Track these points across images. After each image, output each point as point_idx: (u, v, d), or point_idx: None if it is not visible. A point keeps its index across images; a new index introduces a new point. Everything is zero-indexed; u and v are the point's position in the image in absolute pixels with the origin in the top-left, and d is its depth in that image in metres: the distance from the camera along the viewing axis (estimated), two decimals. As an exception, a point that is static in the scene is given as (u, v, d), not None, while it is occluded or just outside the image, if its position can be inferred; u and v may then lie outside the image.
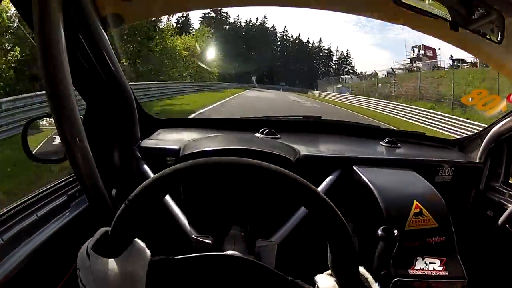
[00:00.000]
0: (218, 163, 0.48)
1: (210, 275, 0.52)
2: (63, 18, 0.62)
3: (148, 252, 0.50)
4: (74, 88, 0.92)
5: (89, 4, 0.79)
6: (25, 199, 0.85)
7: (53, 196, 0.90)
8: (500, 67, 1.15)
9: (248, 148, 0.98)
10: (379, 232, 0.72)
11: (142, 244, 0.51)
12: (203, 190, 0.93)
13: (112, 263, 0.47)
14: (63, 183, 0.96)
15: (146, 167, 1.00)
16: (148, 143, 1.13)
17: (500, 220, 1.13)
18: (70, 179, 0.97)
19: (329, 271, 0.51)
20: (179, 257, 0.51)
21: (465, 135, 1.38)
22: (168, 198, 0.89)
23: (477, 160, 1.23)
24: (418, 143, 1.42)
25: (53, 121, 0.68)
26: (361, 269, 0.52)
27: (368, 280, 0.52)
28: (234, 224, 0.81)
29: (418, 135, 1.48)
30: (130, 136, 1.07)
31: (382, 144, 1.32)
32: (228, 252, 0.65)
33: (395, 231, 0.72)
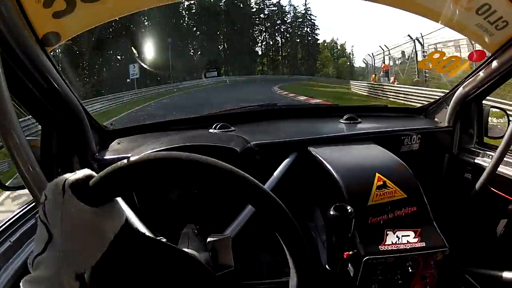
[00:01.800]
0: (140, 162, 0.43)
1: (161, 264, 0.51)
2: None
3: (125, 215, 0.47)
4: (28, 113, 0.93)
5: (22, 28, 0.79)
6: None
7: (22, 221, 0.92)
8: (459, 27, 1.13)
9: (190, 144, 0.97)
10: (331, 212, 0.70)
11: (122, 205, 0.48)
12: (153, 192, 0.93)
13: (87, 210, 0.43)
14: (29, 207, 0.96)
15: None
16: (104, 154, 1.12)
17: (480, 181, 1.11)
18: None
19: None
20: (149, 235, 0.51)
21: (430, 101, 1.36)
22: (120, 201, 0.89)
23: (446, 124, 1.21)
24: (380, 116, 1.39)
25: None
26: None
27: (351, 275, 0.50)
28: (188, 223, 0.80)
29: (380, 107, 1.46)
30: (87, 150, 1.07)
31: (341, 121, 1.30)
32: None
33: (349, 208, 0.69)
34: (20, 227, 0.90)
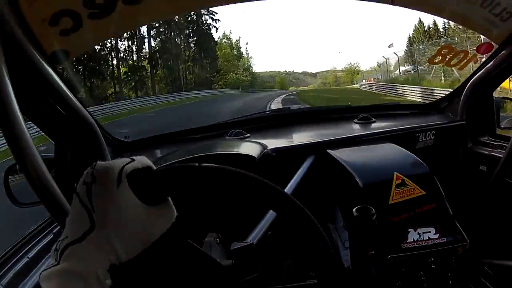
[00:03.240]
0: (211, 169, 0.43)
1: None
2: (5, 65, 0.62)
3: (175, 215, 0.44)
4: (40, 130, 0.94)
5: (29, 47, 0.80)
6: (13, 244, 0.87)
7: (39, 237, 0.92)
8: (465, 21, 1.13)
9: (208, 154, 0.98)
10: (354, 213, 0.70)
11: (173, 206, 0.44)
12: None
13: (141, 207, 0.39)
14: (46, 222, 0.97)
15: None
16: None
17: (495, 173, 1.10)
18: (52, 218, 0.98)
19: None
20: (189, 241, 0.50)
21: (441, 97, 1.35)
22: None
23: (458, 119, 1.20)
24: (393, 114, 1.39)
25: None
26: None
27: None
28: (210, 232, 0.80)
29: (393, 105, 1.45)
30: None
31: (356, 121, 1.30)
32: None
33: (372, 209, 0.69)
34: (37, 243, 0.90)
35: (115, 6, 0.81)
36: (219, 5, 0.92)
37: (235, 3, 0.93)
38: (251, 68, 41.28)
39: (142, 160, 0.42)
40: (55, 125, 0.93)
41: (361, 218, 0.70)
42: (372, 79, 29.09)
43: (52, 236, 0.94)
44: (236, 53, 39.07)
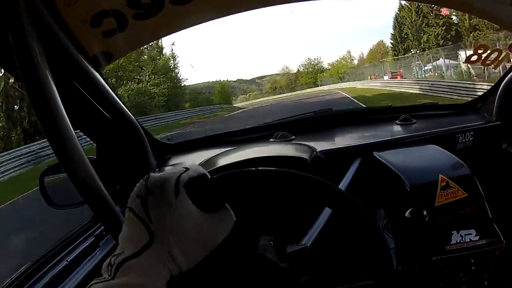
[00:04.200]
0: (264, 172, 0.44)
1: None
2: (49, 69, 0.62)
3: (233, 219, 0.44)
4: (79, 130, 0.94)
5: (73, 49, 0.80)
6: (53, 246, 0.86)
7: (80, 239, 0.92)
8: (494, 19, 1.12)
9: (262, 156, 0.99)
10: (407, 214, 0.70)
11: (231, 212, 0.45)
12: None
13: (200, 215, 0.40)
14: (88, 224, 0.98)
15: None
16: (164, 170, 1.12)
17: None
18: (94, 220, 0.98)
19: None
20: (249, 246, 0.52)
21: (476, 96, 1.35)
22: None
23: (494, 119, 1.19)
24: (432, 114, 1.39)
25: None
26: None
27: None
28: (262, 235, 0.80)
29: (431, 106, 1.45)
30: (146, 166, 1.07)
31: (398, 123, 1.30)
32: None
33: (424, 211, 0.70)
34: (78, 246, 0.89)
35: (162, 6, 0.80)
36: (269, 6, 0.91)
37: (286, 3, 0.92)
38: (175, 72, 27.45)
39: (196, 169, 0.42)
40: (99, 127, 0.93)
41: (414, 220, 0.71)
42: (398, 74, 22.80)
43: (93, 238, 0.93)
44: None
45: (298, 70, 43.52)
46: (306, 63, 42.93)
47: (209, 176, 0.43)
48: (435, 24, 24.26)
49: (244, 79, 54.21)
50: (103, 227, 0.96)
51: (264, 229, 0.83)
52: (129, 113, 0.98)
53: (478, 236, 0.80)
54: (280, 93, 41.78)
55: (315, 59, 43.95)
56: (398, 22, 27.08)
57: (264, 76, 50.06)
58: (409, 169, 0.91)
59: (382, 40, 33.99)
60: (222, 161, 1.01)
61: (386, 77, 24.24)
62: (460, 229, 0.81)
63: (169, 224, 0.38)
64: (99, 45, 0.88)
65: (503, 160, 1.19)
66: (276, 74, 46.69)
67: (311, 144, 1.11)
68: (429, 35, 24.62)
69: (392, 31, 28.30)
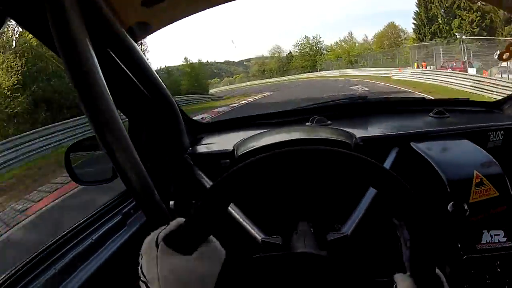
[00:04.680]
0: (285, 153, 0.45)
1: (283, 275, 0.52)
2: (89, 38, 0.58)
3: (223, 251, 0.47)
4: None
5: (111, 18, 0.75)
6: (79, 223, 0.83)
7: (107, 217, 0.89)
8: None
9: (305, 137, 0.98)
10: (449, 208, 0.70)
11: (217, 242, 0.47)
12: (263, 190, 0.92)
13: (183, 260, 0.43)
14: (116, 202, 0.95)
15: (201, 173, 0.98)
16: (199, 149, 1.10)
17: None
18: (123, 198, 0.96)
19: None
20: (253, 256, 0.51)
21: (506, 95, 1.32)
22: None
23: None
24: (464, 110, 1.37)
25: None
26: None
27: (442, 281, 0.48)
28: (301, 220, 0.80)
29: (464, 101, 1.43)
30: (179, 145, 1.05)
31: (432, 115, 1.28)
32: (299, 250, 0.65)
33: (465, 205, 0.69)
34: (103, 224, 0.86)
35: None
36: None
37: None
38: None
39: (177, 221, 0.47)
40: (132, 101, 0.91)
41: (455, 214, 0.70)
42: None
43: (120, 216, 0.90)
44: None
45: (290, 52, 38.26)
46: (303, 42, 36.54)
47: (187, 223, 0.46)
48: (468, 8, 20.33)
49: (232, 60, 51.77)
50: (131, 205, 0.94)
51: (303, 215, 0.83)
52: (166, 90, 0.95)
53: (506, 238, 0.80)
54: (270, 77, 37.23)
55: (313, 37, 36.84)
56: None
57: (252, 58, 46.10)
58: (445, 163, 0.90)
59: (393, 22, 30.21)
60: (261, 142, 1.00)
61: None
62: (491, 229, 0.81)
63: (159, 279, 0.43)
64: (137, 15, 0.84)
65: None
66: (265, 56, 42.03)
67: (349, 130, 1.09)
68: (462, 19, 20.51)
69: (416, 9, 23.23)
